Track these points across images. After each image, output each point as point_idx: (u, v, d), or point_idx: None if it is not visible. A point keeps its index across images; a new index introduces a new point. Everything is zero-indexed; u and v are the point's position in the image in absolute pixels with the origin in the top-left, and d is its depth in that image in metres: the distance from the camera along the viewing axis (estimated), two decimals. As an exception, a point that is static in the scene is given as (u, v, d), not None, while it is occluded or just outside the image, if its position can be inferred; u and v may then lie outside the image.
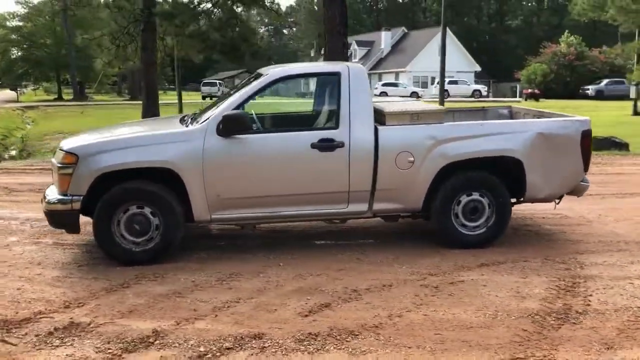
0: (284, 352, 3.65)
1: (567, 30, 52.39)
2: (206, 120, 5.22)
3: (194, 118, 5.70)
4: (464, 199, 5.54)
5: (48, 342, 3.80)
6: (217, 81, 54.73)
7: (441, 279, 4.84)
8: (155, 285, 4.76)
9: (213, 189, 5.18)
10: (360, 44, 60.06)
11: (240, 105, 5.25)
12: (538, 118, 6.30)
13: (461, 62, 55.02)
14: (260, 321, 4.09)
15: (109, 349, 3.70)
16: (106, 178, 5.10)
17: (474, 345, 3.71)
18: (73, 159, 5.04)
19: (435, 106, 5.71)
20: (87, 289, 4.71)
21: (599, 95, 45.59)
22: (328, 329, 3.94)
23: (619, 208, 7.20)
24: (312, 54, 78.52)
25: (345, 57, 15.53)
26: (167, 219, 5.16)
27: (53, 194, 5.27)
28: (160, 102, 19.62)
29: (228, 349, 3.70)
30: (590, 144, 5.66)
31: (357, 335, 3.86)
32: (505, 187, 5.58)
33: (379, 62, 58.22)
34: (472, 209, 5.56)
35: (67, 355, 3.64)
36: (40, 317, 4.17)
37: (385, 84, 50.45)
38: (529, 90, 44.93)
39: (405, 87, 50.58)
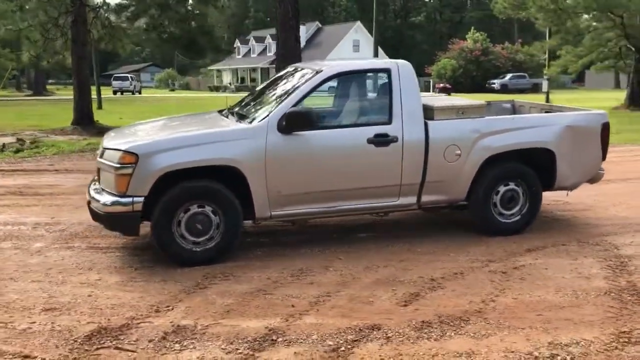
0: (411, 341, 3.76)
1: (472, 27, 55.14)
2: (266, 117, 5.19)
3: (242, 115, 5.65)
4: (502, 188, 5.87)
5: (167, 346, 3.70)
6: (129, 75, 52.84)
7: (503, 265, 5.13)
8: (234, 284, 4.71)
9: (275, 186, 5.17)
10: (275, 37, 59.97)
11: (299, 102, 5.25)
12: (546, 112, 6.75)
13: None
14: (365, 313, 4.18)
15: (237, 349, 3.66)
16: (161, 178, 4.95)
17: (578, 322, 4.00)
18: (133, 158, 4.85)
19: (477, 101, 5.99)
20: (163, 292, 4.57)
21: (504, 89, 48.52)
22: (436, 317, 4.10)
23: (606, 193, 7.82)
24: (223, 46, 77.46)
25: (299, 51, 15.59)
26: (229, 218, 5.10)
27: (103, 194, 5.05)
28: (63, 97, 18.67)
29: (355, 341, 3.77)
30: (608, 135, 6.16)
31: (467, 320, 4.05)
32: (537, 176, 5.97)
33: (293, 56, 58.39)
34: (509, 198, 5.90)
35: (197, 357, 3.57)
36: (138, 323, 4.03)
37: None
38: (441, 85, 46.94)
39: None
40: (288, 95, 5.31)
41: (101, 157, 5.16)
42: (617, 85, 59.09)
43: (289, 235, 6.07)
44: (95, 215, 5.12)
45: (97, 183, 5.40)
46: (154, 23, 12.75)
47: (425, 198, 5.69)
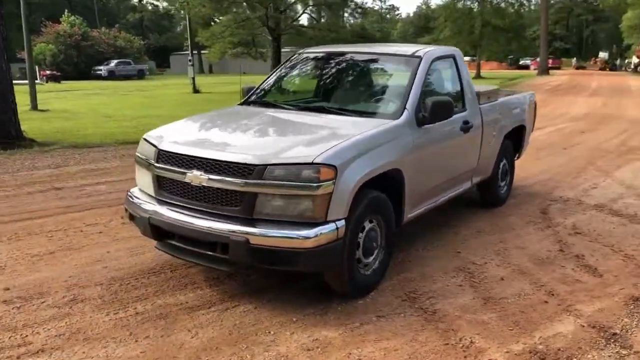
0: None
1: (67, 10, 51.38)
2: (404, 109, 4.54)
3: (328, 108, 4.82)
4: (501, 164, 6.48)
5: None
6: None
7: (564, 228, 5.82)
8: (449, 300, 4.16)
9: (415, 185, 4.61)
10: None
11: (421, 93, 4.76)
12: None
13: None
14: (599, 292, 4.32)
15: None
16: None
17: None
18: (332, 172, 3.66)
19: (491, 86, 6.38)
20: (398, 328, 3.73)
21: (111, 76, 47.39)
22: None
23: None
24: None
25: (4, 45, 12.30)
26: (389, 230, 4.36)
27: (275, 228, 3.66)
28: None
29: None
30: (536, 110, 7.38)
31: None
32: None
33: None
34: (505, 172, 6.57)
35: None
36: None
37: None
38: (48, 72, 42.57)
39: None
40: (409, 85, 4.71)
41: (260, 178, 3.66)
42: (202, 71, 64.28)
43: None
44: (278, 257, 3.62)
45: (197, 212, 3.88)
46: None
47: (474, 180, 5.88)
